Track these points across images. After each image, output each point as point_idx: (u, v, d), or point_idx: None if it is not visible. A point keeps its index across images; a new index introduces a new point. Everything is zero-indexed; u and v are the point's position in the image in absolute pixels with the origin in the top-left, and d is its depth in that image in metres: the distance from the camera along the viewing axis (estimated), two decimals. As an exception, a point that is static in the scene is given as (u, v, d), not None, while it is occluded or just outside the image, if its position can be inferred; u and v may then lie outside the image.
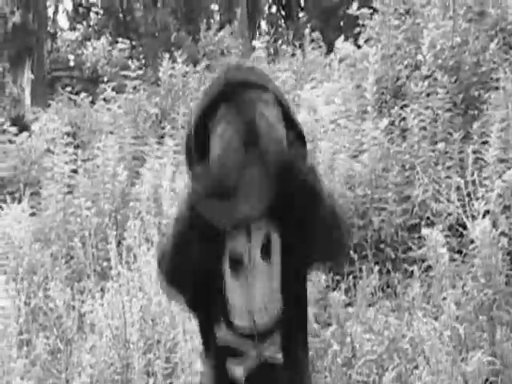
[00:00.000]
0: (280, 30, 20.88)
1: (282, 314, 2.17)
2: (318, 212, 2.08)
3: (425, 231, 6.51)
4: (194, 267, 2.15)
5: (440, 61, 8.83)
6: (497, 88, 8.08)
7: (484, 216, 6.48)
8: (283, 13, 23.48)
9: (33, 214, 8.71)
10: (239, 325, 2.15)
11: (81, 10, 23.36)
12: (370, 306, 6.17)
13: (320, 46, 12.17)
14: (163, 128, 10.46)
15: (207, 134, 2.10)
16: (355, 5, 10.09)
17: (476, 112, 8.24)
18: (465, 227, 6.63)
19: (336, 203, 2.18)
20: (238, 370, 2.14)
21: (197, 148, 2.15)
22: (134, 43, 18.38)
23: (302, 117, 8.58)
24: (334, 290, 6.48)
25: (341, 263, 2.15)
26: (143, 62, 14.04)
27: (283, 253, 2.18)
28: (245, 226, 2.16)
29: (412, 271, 6.43)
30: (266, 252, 2.18)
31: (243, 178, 2.05)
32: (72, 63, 19.76)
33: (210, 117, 2.10)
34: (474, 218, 6.55)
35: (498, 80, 8.17)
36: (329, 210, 2.10)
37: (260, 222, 2.17)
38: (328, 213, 2.09)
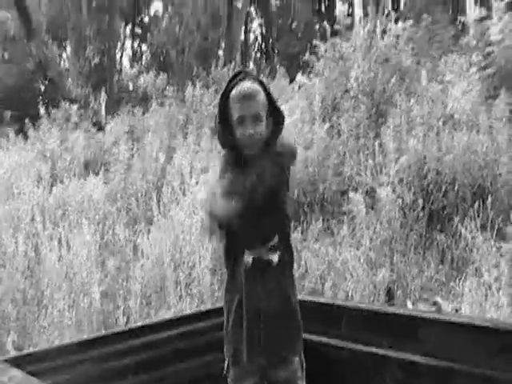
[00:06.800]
0: (262, 67, 21.02)
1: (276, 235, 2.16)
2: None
3: (351, 194, 6.50)
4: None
5: (361, 87, 8.71)
6: (395, 106, 7.99)
7: (387, 185, 6.52)
8: (264, 56, 23.59)
9: (105, 183, 8.70)
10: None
11: (137, 55, 23.42)
12: (316, 241, 6.11)
13: (286, 78, 12.09)
14: (187, 129, 10.42)
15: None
16: (307, 54, 10.03)
17: (383, 120, 8.14)
18: (375, 192, 6.58)
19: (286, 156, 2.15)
20: (248, 257, 2.12)
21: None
22: (169, 75, 18.32)
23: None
24: (294, 231, 6.41)
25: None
26: (175, 87, 13.85)
27: None
28: None
29: (343, 220, 6.40)
30: None
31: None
32: (131, 88, 19.72)
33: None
34: (380, 186, 6.56)
35: (395, 101, 8.07)
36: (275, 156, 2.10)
37: None
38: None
